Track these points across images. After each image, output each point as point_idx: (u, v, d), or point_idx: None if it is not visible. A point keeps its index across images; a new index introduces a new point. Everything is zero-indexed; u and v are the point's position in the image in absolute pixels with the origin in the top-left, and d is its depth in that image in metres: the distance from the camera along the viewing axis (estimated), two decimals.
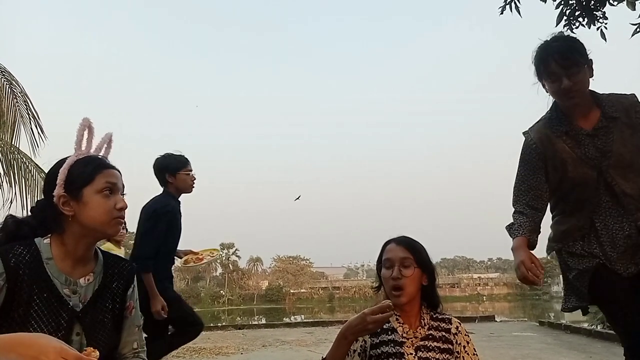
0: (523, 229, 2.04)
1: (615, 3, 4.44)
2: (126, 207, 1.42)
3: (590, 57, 2.00)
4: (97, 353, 1.14)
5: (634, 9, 4.35)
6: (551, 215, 2.20)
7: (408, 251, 1.83)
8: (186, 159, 3.57)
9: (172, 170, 3.51)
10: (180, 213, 3.55)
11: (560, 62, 1.93)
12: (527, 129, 2.14)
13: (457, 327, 1.81)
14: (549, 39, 2.03)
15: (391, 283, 1.79)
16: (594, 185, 2.00)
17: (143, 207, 3.54)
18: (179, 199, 3.58)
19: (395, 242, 1.88)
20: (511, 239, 2.07)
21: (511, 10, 4.63)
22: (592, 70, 2.00)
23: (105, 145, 1.51)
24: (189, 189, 3.58)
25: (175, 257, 3.75)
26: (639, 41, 4.48)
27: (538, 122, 2.14)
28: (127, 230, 4.29)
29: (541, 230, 2.11)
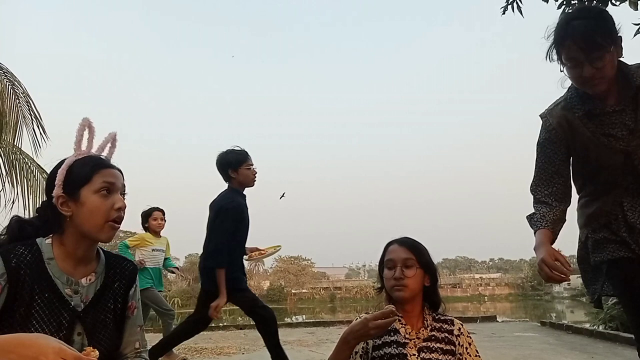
0: (545, 220, 1.88)
1: (618, 3, 4.43)
2: (125, 207, 1.40)
3: (619, 33, 1.73)
4: (97, 353, 1.14)
5: (637, 9, 4.34)
6: (577, 198, 2.05)
7: (410, 252, 1.83)
8: (247, 153, 3.66)
9: (234, 166, 3.59)
10: (246, 207, 3.64)
11: (581, 46, 1.66)
12: (544, 111, 1.96)
13: (459, 329, 1.81)
14: (570, 14, 1.77)
15: (393, 283, 1.79)
16: (621, 169, 1.83)
17: (210, 204, 3.64)
18: (244, 193, 3.67)
19: (398, 242, 1.88)
20: (533, 231, 1.91)
21: (513, 11, 4.62)
22: (621, 48, 1.73)
23: (109, 145, 1.51)
24: (251, 183, 3.67)
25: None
26: None
27: (556, 103, 1.93)
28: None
29: (566, 218, 1.95)
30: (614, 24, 1.71)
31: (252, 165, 3.66)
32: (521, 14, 4.61)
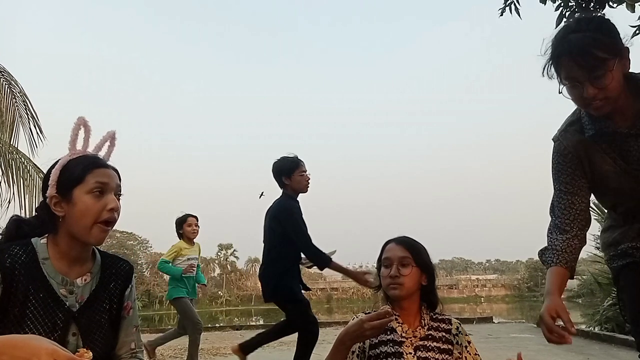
0: (558, 254, 1.70)
1: (615, 5, 4.45)
2: (118, 208, 1.38)
3: (626, 44, 1.54)
4: (91, 354, 1.13)
5: (634, 11, 4.36)
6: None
7: (407, 250, 1.83)
8: (299, 160, 3.71)
9: (287, 173, 3.67)
10: (301, 215, 3.68)
11: (580, 63, 1.47)
12: (556, 134, 1.77)
13: (457, 328, 1.81)
14: (567, 26, 1.55)
15: (388, 281, 1.80)
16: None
17: (269, 212, 3.74)
18: (298, 199, 3.71)
19: (395, 241, 1.89)
20: (545, 268, 1.74)
21: (511, 12, 4.63)
22: (629, 61, 1.52)
23: (108, 143, 1.49)
24: (304, 189, 3.72)
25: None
26: (638, 43, 4.48)
27: (569, 123, 1.74)
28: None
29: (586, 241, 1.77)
30: (618, 34, 1.51)
31: (305, 171, 3.72)
32: (519, 15, 4.62)
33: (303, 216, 3.66)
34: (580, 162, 1.71)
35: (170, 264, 5.14)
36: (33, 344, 1.02)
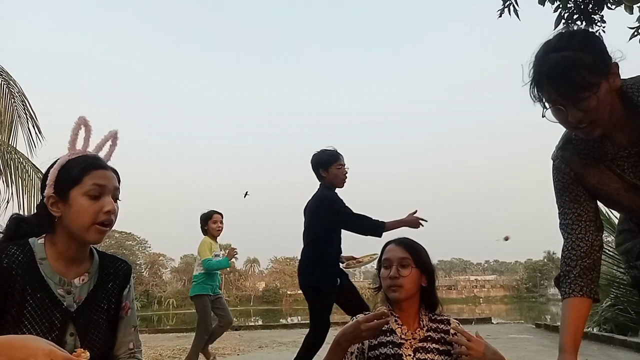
0: (574, 280, 1.56)
1: (613, 7, 4.46)
2: (114, 210, 1.37)
3: (614, 58, 1.40)
4: (88, 354, 1.13)
5: (632, 13, 4.38)
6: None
7: (407, 251, 1.84)
8: (337, 153, 3.69)
9: (325, 166, 3.65)
10: (340, 199, 3.66)
11: (560, 88, 1.35)
12: (554, 152, 1.65)
13: (455, 328, 1.81)
14: (547, 44, 1.41)
15: (388, 282, 1.80)
16: None
17: (307, 206, 3.73)
18: (335, 192, 3.70)
19: (395, 242, 1.89)
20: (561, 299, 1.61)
21: (509, 14, 4.64)
22: (618, 76, 1.38)
23: (109, 143, 1.48)
24: (341, 183, 3.70)
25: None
26: (636, 44, 4.50)
27: (565, 142, 1.62)
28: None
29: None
30: (605, 50, 1.38)
31: (343, 165, 3.70)
32: (517, 16, 4.63)
33: (341, 200, 3.64)
34: (584, 180, 1.59)
35: (213, 259, 5.10)
36: (30, 344, 1.02)
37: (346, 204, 3.59)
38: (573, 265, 1.58)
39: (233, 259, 5.32)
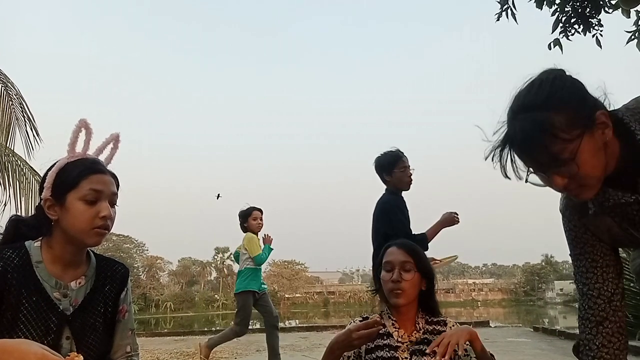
0: (597, 354, 1.37)
1: (611, 10, 4.48)
2: (110, 216, 1.36)
3: (603, 96, 1.21)
4: (81, 357, 1.13)
5: (629, 17, 4.39)
6: None
7: (409, 255, 1.83)
8: (399, 155, 3.53)
9: (387, 169, 3.51)
10: (399, 207, 3.52)
11: (534, 160, 1.17)
12: (560, 206, 1.48)
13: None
14: (518, 95, 1.20)
15: (390, 286, 1.79)
16: None
17: (374, 211, 3.60)
18: (401, 196, 3.57)
19: (397, 245, 1.88)
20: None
21: (507, 17, 4.65)
22: (607, 127, 1.15)
23: (111, 146, 1.47)
24: (405, 185, 3.54)
25: None
26: (634, 48, 4.51)
27: (567, 197, 1.43)
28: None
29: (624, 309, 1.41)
30: (584, 99, 1.16)
31: (407, 167, 3.52)
32: (515, 20, 4.64)
33: (402, 209, 3.49)
34: (596, 230, 1.40)
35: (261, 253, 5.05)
36: (23, 348, 1.02)
37: (404, 212, 3.47)
38: (594, 332, 1.38)
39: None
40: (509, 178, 1.20)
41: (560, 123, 1.11)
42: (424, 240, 3.38)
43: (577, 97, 1.15)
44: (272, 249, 5.20)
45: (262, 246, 5.13)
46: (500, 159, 1.19)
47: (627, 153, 1.20)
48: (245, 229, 5.19)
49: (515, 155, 1.18)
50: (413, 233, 3.40)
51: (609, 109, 1.20)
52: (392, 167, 3.48)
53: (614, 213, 1.31)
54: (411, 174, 3.53)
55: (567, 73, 1.21)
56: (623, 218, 1.31)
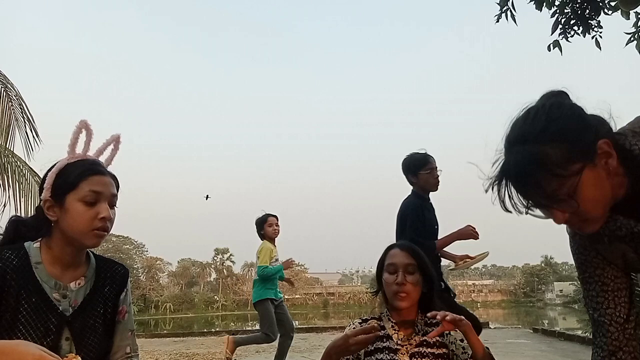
0: None
1: (610, 12, 4.48)
2: (110, 217, 1.36)
3: (609, 116, 1.12)
4: (79, 359, 1.13)
5: (628, 18, 4.40)
6: None
7: (412, 257, 1.84)
8: (426, 157, 3.50)
9: (413, 170, 3.50)
10: (426, 209, 3.50)
11: (530, 197, 1.09)
12: (569, 231, 1.36)
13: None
14: (515, 123, 1.12)
15: (395, 288, 1.79)
16: None
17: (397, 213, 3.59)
18: (427, 197, 3.55)
19: (399, 247, 1.89)
20: None
21: (507, 19, 4.66)
22: (611, 156, 1.05)
23: (111, 147, 1.47)
24: (432, 187, 3.52)
25: (448, 260, 3.72)
26: (633, 49, 4.52)
27: None
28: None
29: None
30: (583, 128, 1.06)
31: (434, 168, 3.49)
32: (515, 21, 4.65)
33: (422, 212, 3.45)
34: (608, 257, 1.31)
35: (269, 267, 5.02)
36: (20, 349, 1.02)
37: (424, 216, 3.43)
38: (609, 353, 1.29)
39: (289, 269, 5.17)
40: (510, 212, 1.12)
41: (557, 157, 1.02)
42: (431, 248, 3.31)
43: (576, 126, 1.05)
44: (283, 275, 5.18)
45: (276, 261, 5.13)
46: (498, 192, 1.10)
47: (635, 179, 1.11)
48: (262, 236, 5.18)
49: (513, 190, 1.09)
50: (420, 240, 3.29)
51: (614, 130, 1.12)
52: (418, 169, 3.47)
53: (629, 239, 1.21)
54: (438, 176, 3.51)
55: (568, 95, 1.13)
56: (639, 245, 1.20)
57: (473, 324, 3.58)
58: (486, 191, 1.13)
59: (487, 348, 1.72)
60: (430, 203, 3.56)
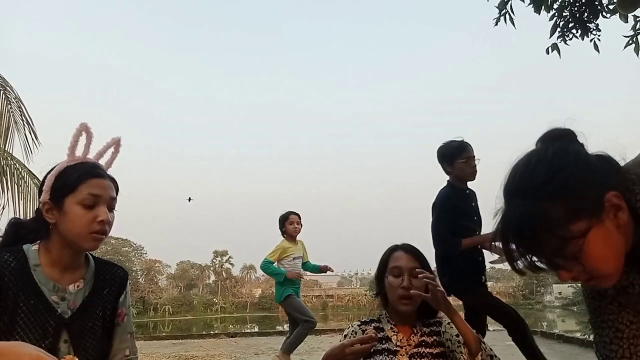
0: None
1: (609, 15, 4.50)
2: (108, 221, 1.36)
3: (620, 158, 1.01)
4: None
5: (627, 21, 4.42)
6: None
7: (417, 261, 1.84)
8: (462, 145, 3.33)
9: (449, 160, 3.34)
10: (462, 200, 3.35)
11: (531, 251, 0.98)
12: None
13: (446, 325, 1.81)
14: (513, 176, 1.02)
15: (400, 292, 1.79)
16: None
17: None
18: (464, 187, 3.39)
19: (403, 250, 1.88)
20: None
21: (505, 22, 4.67)
22: (621, 209, 0.94)
23: (112, 150, 1.47)
24: (469, 177, 3.35)
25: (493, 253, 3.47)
26: (631, 52, 4.54)
27: None
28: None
29: None
30: (590, 181, 0.94)
31: (472, 157, 3.31)
32: (513, 25, 4.66)
33: (458, 205, 3.30)
34: (627, 304, 1.19)
35: (275, 264, 5.02)
36: (18, 350, 1.02)
37: (458, 207, 3.28)
38: None
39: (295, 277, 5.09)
40: (516, 268, 1.03)
41: (559, 216, 0.92)
42: (454, 245, 3.18)
43: (581, 179, 0.94)
44: (284, 284, 5.11)
45: (294, 259, 5.13)
46: (502, 247, 1.01)
47: None
48: (283, 233, 5.23)
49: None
50: (444, 233, 3.24)
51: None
52: (454, 158, 3.31)
53: (629, 295, 1.12)
54: (475, 165, 3.34)
55: (574, 134, 1.03)
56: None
57: (507, 321, 3.51)
58: (493, 242, 1.05)
59: (477, 332, 1.73)
60: (469, 193, 3.40)
